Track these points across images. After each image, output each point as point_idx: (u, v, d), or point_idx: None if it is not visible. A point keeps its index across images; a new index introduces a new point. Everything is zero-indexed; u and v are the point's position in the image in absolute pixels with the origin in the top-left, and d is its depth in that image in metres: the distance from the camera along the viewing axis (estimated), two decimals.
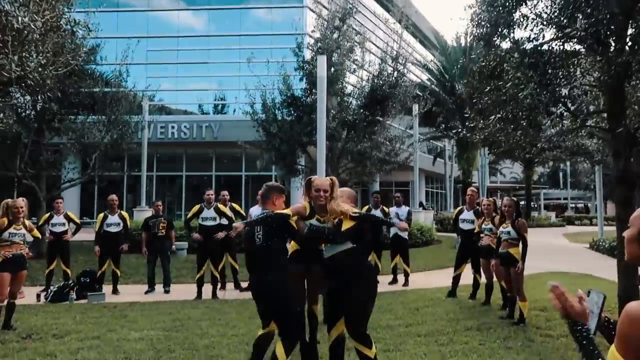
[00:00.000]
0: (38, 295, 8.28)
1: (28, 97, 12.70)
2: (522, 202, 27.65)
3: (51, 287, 8.39)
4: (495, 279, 7.14)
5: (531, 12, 5.82)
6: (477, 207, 7.90)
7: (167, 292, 8.81)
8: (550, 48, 5.82)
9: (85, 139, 14.01)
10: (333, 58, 14.32)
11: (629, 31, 5.35)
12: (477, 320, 6.41)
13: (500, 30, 5.99)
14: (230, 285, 9.01)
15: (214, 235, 8.31)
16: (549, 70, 5.77)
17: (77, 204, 23.25)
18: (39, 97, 11.62)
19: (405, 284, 9.44)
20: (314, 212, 4.24)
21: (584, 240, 18.86)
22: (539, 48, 5.79)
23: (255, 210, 7.33)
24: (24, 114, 13.53)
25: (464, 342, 5.38)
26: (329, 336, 4.19)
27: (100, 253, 8.71)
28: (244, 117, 15.91)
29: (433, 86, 27.05)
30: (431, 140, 31.94)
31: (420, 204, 29.13)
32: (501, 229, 6.39)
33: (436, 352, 5.01)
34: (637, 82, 6.01)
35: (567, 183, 43.79)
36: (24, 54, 7.81)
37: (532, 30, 5.81)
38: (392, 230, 9.58)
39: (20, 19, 7.58)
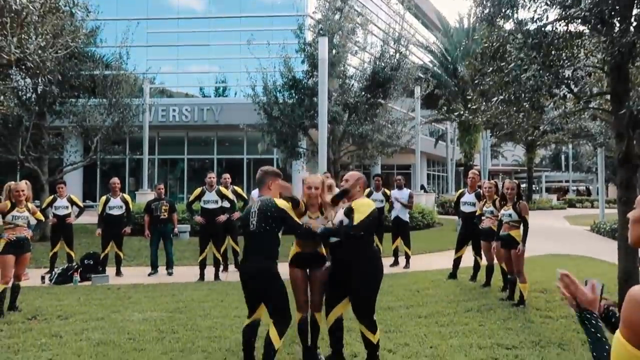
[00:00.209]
0: (42, 278, 8.36)
1: (28, 80, 12.65)
2: (523, 185, 27.61)
3: (55, 270, 8.47)
4: (495, 261, 7.18)
5: None
6: (479, 189, 7.91)
7: (170, 274, 8.89)
8: (554, 29, 5.75)
9: (87, 122, 14.01)
10: (334, 40, 14.19)
11: (634, 11, 5.27)
12: (478, 301, 6.46)
13: (503, 10, 5.92)
14: (232, 267, 9.09)
15: (215, 218, 8.35)
16: (553, 52, 5.71)
17: (79, 187, 23.30)
18: (40, 80, 11.56)
19: (406, 266, 9.49)
20: (306, 209, 4.32)
21: (584, 223, 18.89)
22: (542, 29, 5.71)
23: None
24: (24, 97, 13.50)
25: (464, 323, 5.44)
26: (327, 320, 4.23)
27: (103, 236, 8.77)
28: (246, 100, 15.83)
29: (435, 68, 26.84)
30: (433, 123, 31.80)
31: (422, 187, 29.13)
32: (502, 211, 6.41)
33: (436, 333, 5.07)
34: None
35: (569, 166, 43.69)
36: (23, 35, 7.75)
37: (535, 10, 5.74)
38: (394, 213, 9.60)
39: (18, 0, 7.51)
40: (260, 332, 4.09)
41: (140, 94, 16.72)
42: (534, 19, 5.75)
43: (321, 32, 13.78)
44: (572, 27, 5.75)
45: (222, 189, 8.65)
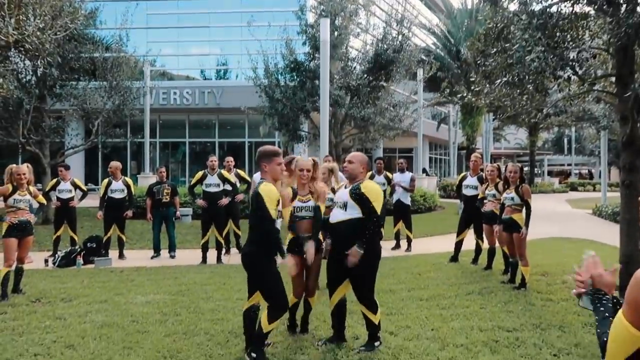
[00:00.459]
0: (46, 261, 8.41)
1: (28, 62, 12.57)
2: (525, 168, 27.55)
3: (58, 253, 8.52)
4: (497, 244, 7.19)
5: None
6: (481, 173, 7.89)
7: (172, 257, 8.93)
8: (559, 10, 5.66)
9: (88, 104, 13.94)
10: (336, 21, 14.02)
11: None
12: (479, 284, 6.49)
13: None
14: (234, 250, 9.13)
15: (217, 201, 8.36)
16: (557, 33, 5.63)
17: (81, 171, 23.32)
18: (39, 62, 11.47)
19: (408, 249, 9.53)
20: (296, 193, 4.34)
21: (586, 206, 18.89)
22: (547, 9, 5.62)
23: (258, 177, 7.34)
24: (24, 79, 13.44)
25: (465, 306, 5.47)
26: (330, 302, 4.27)
27: (105, 219, 8.79)
28: (247, 82, 15.72)
29: (438, 50, 26.54)
30: (435, 106, 31.59)
31: (424, 170, 29.08)
32: (505, 194, 6.39)
33: (437, 316, 5.10)
34: None
35: (572, 149, 43.52)
36: (21, 17, 7.66)
37: None
38: (395, 196, 9.60)
39: None
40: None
41: (140, 76, 16.60)
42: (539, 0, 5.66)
43: (323, 13, 13.61)
44: (577, 8, 5.66)
45: (224, 172, 8.64)
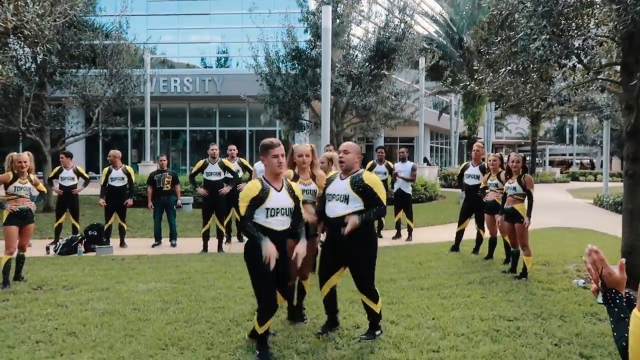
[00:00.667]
0: (47, 248, 8.42)
1: (27, 49, 12.47)
2: (527, 158, 27.49)
3: (60, 240, 8.52)
4: (499, 233, 7.18)
5: None
6: (483, 162, 7.86)
7: (173, 245, 8.94)
8: None
9: (88, 92, 13.87)
10: (338, 9, 13.90)
11: None
12: (480, 274, 6.49)
13: None
14: (235, 239, 9.14)
15: (218, 189, 8.34)
16: (562, 21, 5.56)
17: (82, 158, 23.29)
18: (39, 49, 11.38)
19: (409, 238, 9.52)
20: (297, 177, 4.43)
21: (587, 196, 18.86)
22: None
23: (259, 166, 7.34)
24: (24, 67, 13.35)
25: (466, 295, 5.47)
26: (321, 292, 4.27)
27: (106, 207, 8.79)
28: (248, 70, 15.62)
29: (440, 39, 26.36)
30: (437, 95, 31.45)
31: (425, 160, 29.03)
32: (507, 184, 6.37)
33: (438, 305, 5.10)
34: None
35: (574, 139, 43.37)
36: (19, 2, 7.57)
37: None
38: (396, 186, 9.57)
39: None
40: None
41: (141, 64, 16.50)
42: None
43: (325, 0, 13.47)
44: None
45: (225, 160, 8.62)
